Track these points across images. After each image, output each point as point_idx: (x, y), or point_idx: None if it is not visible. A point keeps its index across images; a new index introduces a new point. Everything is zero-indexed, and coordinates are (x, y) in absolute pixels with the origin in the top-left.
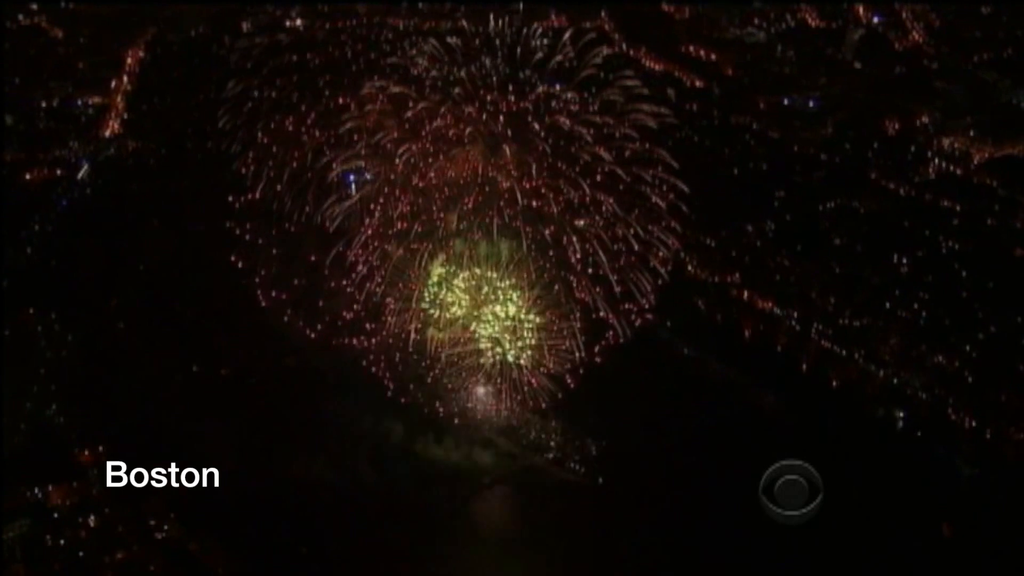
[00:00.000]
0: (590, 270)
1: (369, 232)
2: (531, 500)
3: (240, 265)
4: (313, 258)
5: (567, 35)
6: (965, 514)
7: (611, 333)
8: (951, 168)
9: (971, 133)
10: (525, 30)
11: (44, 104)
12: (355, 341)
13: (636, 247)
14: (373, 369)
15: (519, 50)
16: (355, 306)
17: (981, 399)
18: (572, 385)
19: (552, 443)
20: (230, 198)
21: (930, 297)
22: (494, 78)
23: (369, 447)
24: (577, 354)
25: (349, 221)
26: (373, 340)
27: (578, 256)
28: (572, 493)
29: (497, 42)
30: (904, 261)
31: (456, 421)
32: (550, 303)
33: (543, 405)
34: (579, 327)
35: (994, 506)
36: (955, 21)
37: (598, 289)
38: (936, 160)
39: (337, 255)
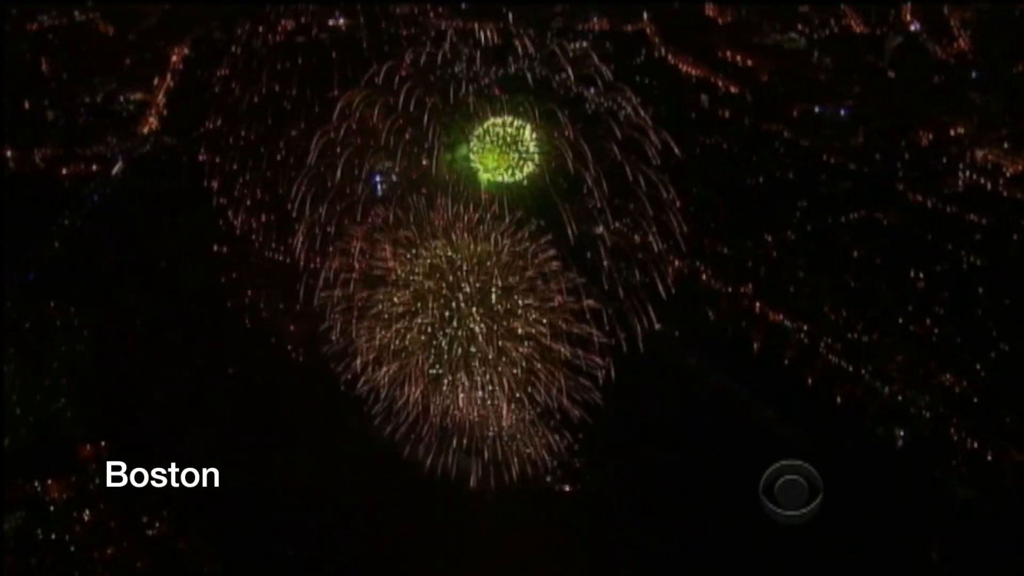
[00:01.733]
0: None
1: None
2: (521, 507)
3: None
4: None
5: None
6: (958, 536)
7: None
8: (981, 181)
9: (1005, 145)
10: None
11: (88, 99)
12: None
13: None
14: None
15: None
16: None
17: (986, 420)
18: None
19: (544, 451)
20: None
21: (944, 313)
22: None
23: (356, 451)
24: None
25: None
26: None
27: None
28: (565, 498)
29: (478, 54)
30: (921, 276)
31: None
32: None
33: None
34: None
35: (988, 531)
36: (998, 28)
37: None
38: (966, 173)
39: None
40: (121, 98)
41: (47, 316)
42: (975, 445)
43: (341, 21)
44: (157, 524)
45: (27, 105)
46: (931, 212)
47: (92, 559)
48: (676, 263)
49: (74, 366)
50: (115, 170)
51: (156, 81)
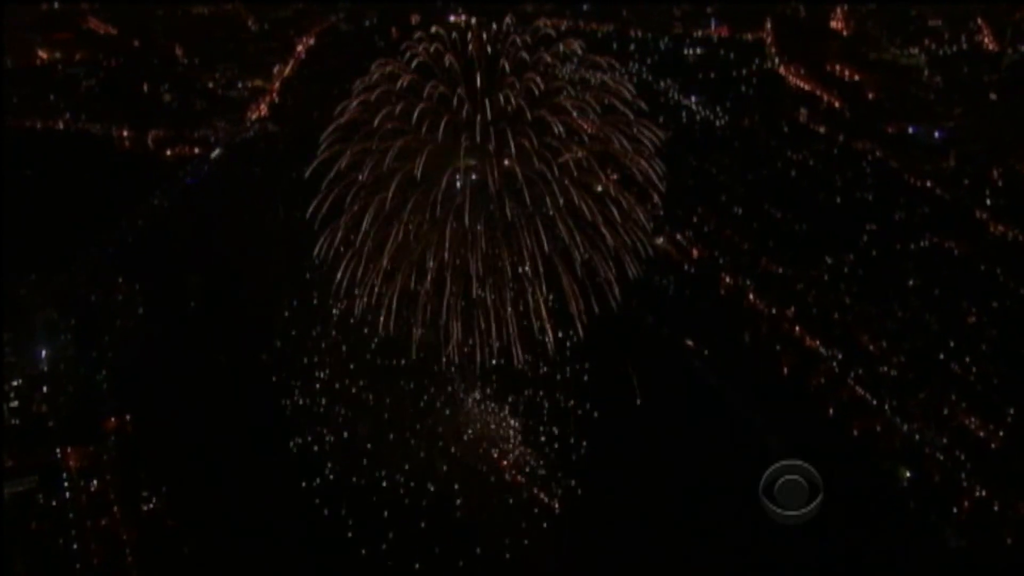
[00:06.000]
0: None
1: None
2: (512, 512)
3: None
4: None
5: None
6: None
7: None
8: None
9: None
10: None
11: (211, 85)
12: None
13: None
14: None
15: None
16: None
17: (1001, 468)
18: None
19: (537, 456)
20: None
21: (987, 352)
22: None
23: (338, 449)
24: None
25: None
26: None
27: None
28: (559, 502)
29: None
30: (973, 311)
31: None
32: None
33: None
34: None
35: None
36: None
37: None
38: None
39: None
40: (239, 84)
41: (112, 291)
42: (983, 493)
43: (463, 18)
44: (154, 500)
45: (146, 88)
46: (1008, 245)
47: (84, 527)
48: (727, 280)
49: (122, 341)
50: (214, 154)
51: (276, 69)
